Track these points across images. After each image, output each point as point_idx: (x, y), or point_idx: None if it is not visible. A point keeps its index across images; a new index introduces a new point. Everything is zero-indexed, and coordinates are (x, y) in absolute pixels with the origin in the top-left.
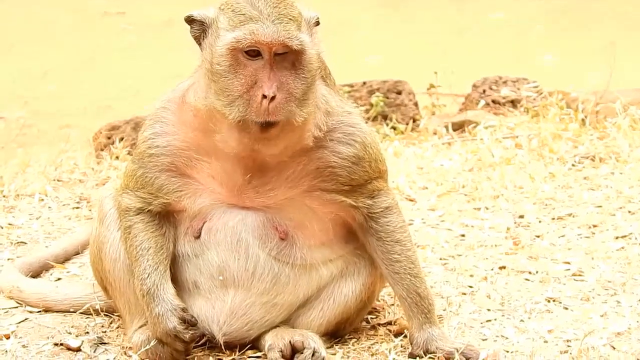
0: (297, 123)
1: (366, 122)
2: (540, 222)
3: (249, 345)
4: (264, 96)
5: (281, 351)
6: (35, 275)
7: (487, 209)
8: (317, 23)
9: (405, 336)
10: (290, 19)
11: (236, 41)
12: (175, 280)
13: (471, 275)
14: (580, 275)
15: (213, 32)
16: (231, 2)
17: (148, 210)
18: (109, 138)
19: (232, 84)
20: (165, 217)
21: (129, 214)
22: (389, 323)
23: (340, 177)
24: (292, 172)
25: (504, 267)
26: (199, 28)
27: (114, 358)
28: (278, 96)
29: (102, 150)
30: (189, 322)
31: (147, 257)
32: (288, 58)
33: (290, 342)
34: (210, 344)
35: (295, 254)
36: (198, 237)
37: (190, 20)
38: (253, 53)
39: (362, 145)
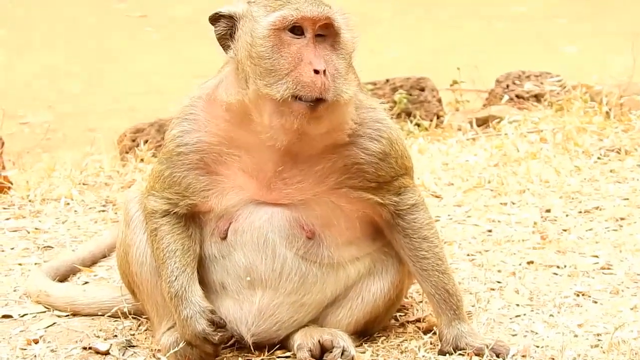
0: (344, 101)
1: (391, 118)
2: (567, 215)
3: (277, 345)
4: (316, 71)
5: (310, 350)
6: (63, 279)
7: (513, 203)
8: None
9: (435, 333)
10: (325, 4)
11: (282, 18)
12: (203, 281)
13: (499, 271)
14: (608, 268)
15: (247, 23)
16: None
17: (174, 212)
18: (133, 140)
19: (277, 62)
20: (191, 219)
21: (155, 217)
22: (418, 320)
23: (367, 174)
24: (322, 167)
25: (532, 262)
26: (226, 25)
27: None
28: (328, 70)
29: (127, 152)
30: (218, 324)
31: (175, 259)
32: (327, 40)
33: (319, 341)
34: (239, 344)
35: (322, 252)
36: (224, 238)
37: (216, 19)
38: (297, 32)
39: (389, 141)
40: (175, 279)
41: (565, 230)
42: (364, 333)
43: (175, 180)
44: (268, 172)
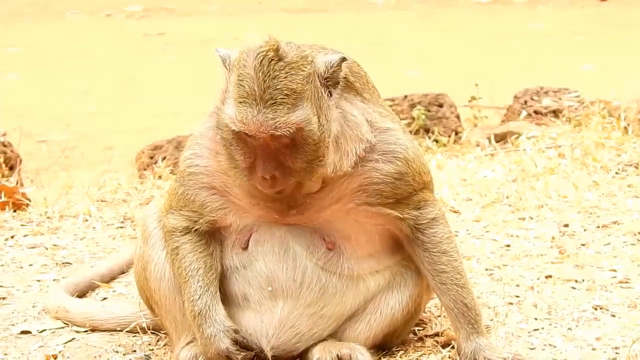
0: (307, 183)
1: (409, 133)
2: (585, 230)
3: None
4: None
5: None
6: (81, 295)
7: (531, 218)
8: (342, 61)
9: (453, 347)
10: (285, 96)
11: (231, 122)
12: (224, 294)
13: (517, 285)
14: (626, 282)
15: (227, 85)
16: (242, 60)
17: (195, 230)
18: (151, 158)
19: (234, 155)
20: (212, 236)
21: (176, 235)
22: (436, 334)
23: (384, 192)
24: (336, 192)
25: (550, 276)
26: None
27: None
28: (277, 174)
29: (145, 169)
30: (241, 344)
31: (198, 277)
32: (285, 137)
33: (337, 355)
34: (259, 358)
35: (342, 264)
36: (246, 248)
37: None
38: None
39: (405, 161)
40: (199, 297)
41: (583, 245)
42: (383, 347)
43: (188, 198)
44: (277, 209)
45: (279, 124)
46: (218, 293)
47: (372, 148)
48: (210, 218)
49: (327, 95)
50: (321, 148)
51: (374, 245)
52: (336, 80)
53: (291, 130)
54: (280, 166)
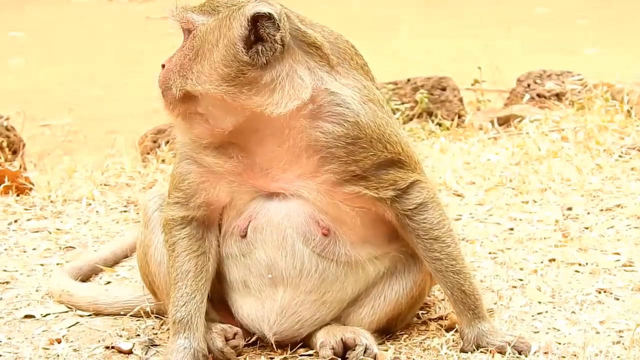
0: (175, 94)
1: (377, 105)
2: (588, 213)
3: (300, 344)
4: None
5: (333, 348)
6: (85, 279)
7: (535, 202)
8: (261, 18)
9: (457, 331)
10: (205, 4)
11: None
12: (225, 280)
13: (521, 269)
14: (630, 265)
15: None
16: None
17: (192, 220)
18: (154, 141)
19: None
20: (209, 229)
21: (174, 228)
22: (440, 318)
23: (340, 158)
24: (287, 146)
25: (554, 260)
26: None
27: None
28: (166, 66)
29: (148, 153)
30: None
31: (186, 282)
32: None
33: (341, 339)
34: (262, 343)
35: (339, 250)
36: (244, 236)
37: None
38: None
39: (355, 125)
40: (184, 304)
41: (586, 228)
42: (387, 331)
43: (173, 174)
44: (241, 160)
45: (179, 13)
46: (204, 302)
47: (317, 109)
48: (200, 200)
49: (241, 34)
50: (197, 59)
51: (367, 231)
52: (260, 36)
53: (180, 21)
54: (172, 60)
